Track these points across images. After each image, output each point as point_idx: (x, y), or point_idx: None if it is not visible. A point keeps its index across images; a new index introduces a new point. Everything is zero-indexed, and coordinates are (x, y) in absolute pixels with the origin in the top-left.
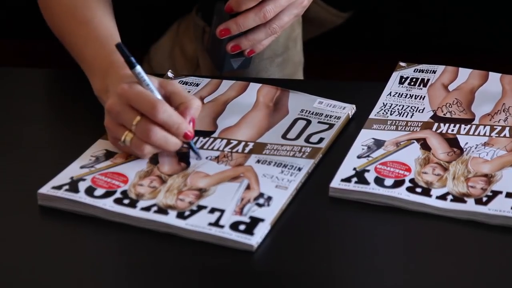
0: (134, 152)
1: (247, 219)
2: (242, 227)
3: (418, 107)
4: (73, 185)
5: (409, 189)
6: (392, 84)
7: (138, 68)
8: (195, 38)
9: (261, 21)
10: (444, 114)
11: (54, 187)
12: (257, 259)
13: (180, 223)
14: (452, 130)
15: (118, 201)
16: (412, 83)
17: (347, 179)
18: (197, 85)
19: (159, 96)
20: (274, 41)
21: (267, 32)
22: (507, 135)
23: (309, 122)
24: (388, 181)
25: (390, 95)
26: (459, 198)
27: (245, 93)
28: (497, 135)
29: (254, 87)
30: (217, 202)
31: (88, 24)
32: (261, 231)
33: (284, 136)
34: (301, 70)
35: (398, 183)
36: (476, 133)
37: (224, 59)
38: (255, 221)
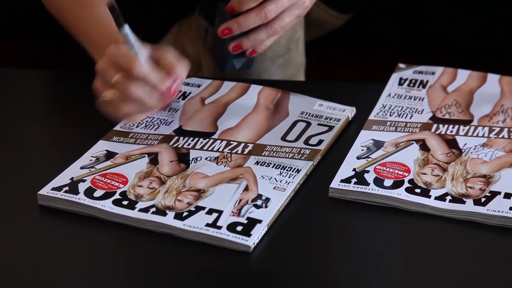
0: (114, 113)
1: (244, 220)
2: (239, 228)
3: (417, 108)
4: (73, 186)
5: (408, 190)
6: (392, 85)
7: (126, 27)
8: (197, 38)
9: (262, 21)
10: (443, 115)
11: (54, 188)
12: (254, 260)
13: (178, 223)
14: (451, 131)
15: (117, 202)
16: (411, 85)
17: (347, 180)
18: (199, 86)
19: (142, 56)
20: (276, 42)
21: (269, 32)
22: (506, 136)
23: (308, 124)
24: (388, 182)
25: (390, 97)
26: (457, 199)
27: (246, 95)
28: (495, 136)
29: (255, 89)
30: (215, 203)
31: (91, 6)
32: (258, 232)
33: (283, 138)
34: (303, 71)
35: (397, 184)
36: (474, 134)
37: (226, 59)
38: (252, 222)
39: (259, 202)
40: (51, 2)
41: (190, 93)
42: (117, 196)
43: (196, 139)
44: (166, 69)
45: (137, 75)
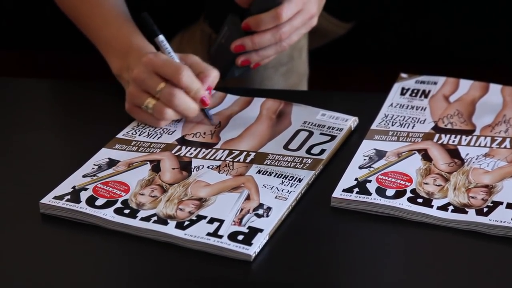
0: (154, 119)
1: (245, 229)
2: (240, 237)
3: (419, 118)
4: (74, 195)
5: (410, 200)
6: (394, 95)
7: (161, 36)
8: (201, 45)
9: (276, 41)
10: (445, 125)
11: (56, 197)
12: (255, 269)
13: (179, 233)
14: (453, 141)
15: (118, 211)
16: (414, 94)
17: (349, 189)
18: None
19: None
20: None
21: (277, 50)
22: (508, 146)
23: (311, 133)
24: (390, 192)
25: (392, 106)
26: (460, 209)
27: (248, 107)
28: (497, 146)
29: (258, 101)
30: (217, 212)
31: (102, 6)
32: (259, 241)
33: (285, 147)
34: (306, 80)
35: (399, 194)
36: (477, 144)
37: (229, 68)
38: (253, 232)
39: (260, 211)
40: (61, 1)
41: None
42: (118, 204)
43: (199, 149)
44: (200, 76)
45: (183, 84)
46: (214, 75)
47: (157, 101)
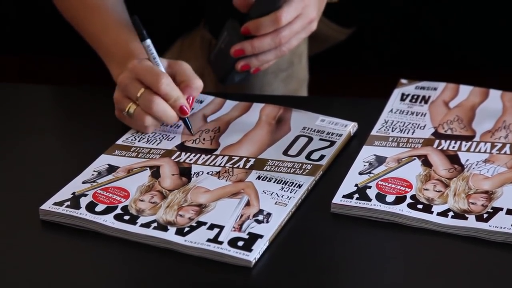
0: (136, 124)
1: (245, 236)
2: (240, 243)
3: (419, 124)
4: (74, 201)
5: (410, 206)
6: (394, 101)
7: (148, 41)
8: (201, 51)
9: (275, 45)
10: (445, 131)
11: (55, 203)
12: (255, 275)
13: (179, 239)
14: (453, 147)
15: (118, 217)
16: (413, 100)
17: (349, 195)
18: (201, 102)
19: (163, 70)
20: None
21: (277, 54)
22: (508, 152)
23: (310, 139)
24: (390, 198)
25: (392, 112)
26: (460, 215)
27: (248, 112)
28: (497, 152)
29: (257, 107)
30: (217, 218)
31: (101, 11)
32: (259, 247)
33: (285, 153)
34: (306, 86)
35: (399, 200)
36: (477, 150)
37: (229, 73)
38: (253, 238)
39: (260, 217)
40: (61, 5)
41: (192, 108)
42: (118, 210)
43: (198, 155)
44: (182, 85)
45: (162, 92)
46: (196, 85)
47: (137, 107)
